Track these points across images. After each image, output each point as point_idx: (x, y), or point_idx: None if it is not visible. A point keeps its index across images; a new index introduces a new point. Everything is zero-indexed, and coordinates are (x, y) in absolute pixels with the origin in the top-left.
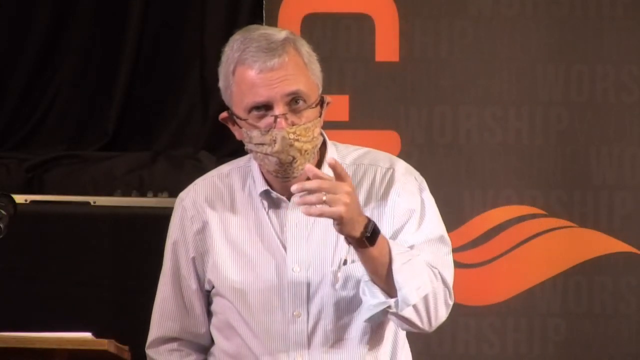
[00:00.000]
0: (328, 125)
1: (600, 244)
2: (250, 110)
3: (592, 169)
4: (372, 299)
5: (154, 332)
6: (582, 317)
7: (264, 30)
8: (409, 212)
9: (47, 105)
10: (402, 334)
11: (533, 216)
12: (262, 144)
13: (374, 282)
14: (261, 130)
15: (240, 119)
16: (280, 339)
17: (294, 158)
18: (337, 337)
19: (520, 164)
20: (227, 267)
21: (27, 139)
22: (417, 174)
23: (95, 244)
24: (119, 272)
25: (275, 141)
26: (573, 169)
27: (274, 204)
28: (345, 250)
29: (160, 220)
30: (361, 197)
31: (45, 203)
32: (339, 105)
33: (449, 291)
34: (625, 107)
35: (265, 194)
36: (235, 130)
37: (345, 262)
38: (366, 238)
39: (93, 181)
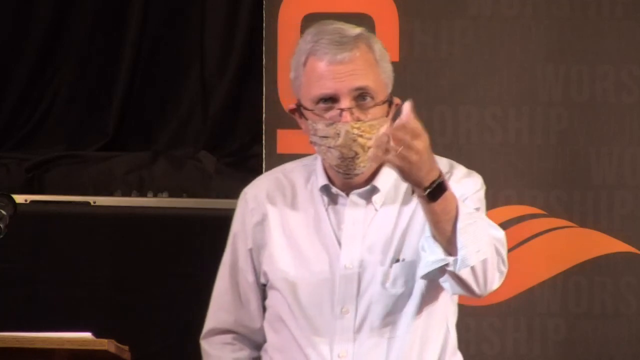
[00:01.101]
0: None
1: (600, 244)
2: (317, 102)
3: (592, 169)
4: (431, 255)
5: (208, 323)
6: (582, 317)
7: (339, 25)
8: (465, 195)
9: (47, 105)
10: (453, 341)
11: (533, 216)
12: (326, 137)
13: (435, 239)
14: (326, 122)
15: (307, 109)
16: (326, 334)
17: (356, 154)
18: (383, 335)
19: (520, 164)
20: (281, 259)
21: (27, 139)
22: (478, 176)
23: (95, 244)
24: (119, 272)
25: (339, 134)
26: (573, 169)
27: (333, 200)
28: (399, 250)
29: (160, 220)
30: (416, 200)
31: (45, 203)
32: None
33: (502, 259)
34: (625, 107)
35: (325, 189)
36: (301, 123)
37: (397, 261)
38: (427, 194)
39: (93, 181)
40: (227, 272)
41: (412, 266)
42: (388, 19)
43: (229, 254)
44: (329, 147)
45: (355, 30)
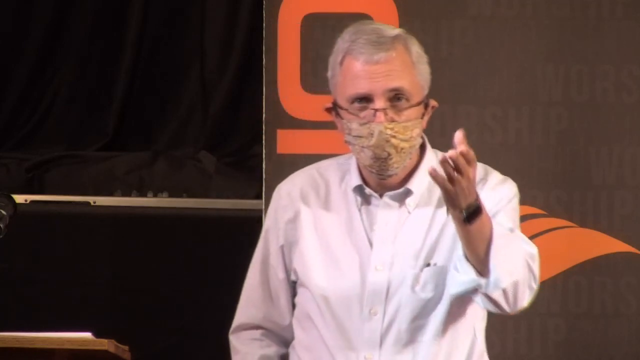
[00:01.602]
0: (328, 125)
1: (600, 244)
2: (352, 101)
3: (592, 169)
4: (463, 275)
5: (237, 318)
6: (582, 317)
7: (377, 25)
8: (500, 204)
9: (47, 105)
10: (480, 346)
11: (533, 216)
12: (360, 137)
13: (468, 259)
14: (360, 122)
15: (342, 108)
16: (354, 334)
17: (389, 154)
18: (410, 339)
19: (520, 164)
20: (312, 258)
21: (27, 139)
22: (513, 184)
23: (95, 244)
24: (119, 272)
25: (372, 135)
26: (573, 169)
27: (366, 201)
28: (430, 254)
29: (160, 220)
30: None
31: (45, 203)
32: None
33: (534, 276)
34: (625, 107)
35: (359, 190)
36: (337, 122)
37: (428, 265)
38: (465, 216)
39: (93, 181)
40: (258, 268)
41: (443, 271)
42: (388, 19)
43: (260, 250)
44: (363, 147)
45: (393, 31)
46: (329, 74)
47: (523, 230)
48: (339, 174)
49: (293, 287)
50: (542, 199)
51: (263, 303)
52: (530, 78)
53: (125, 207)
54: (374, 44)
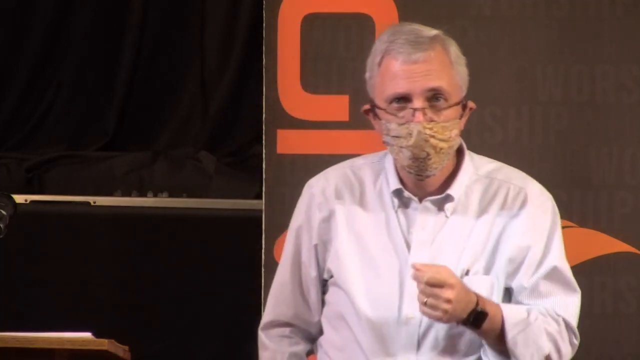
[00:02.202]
0: (328, 125)
1: (600, 244)
2: (390, 101)
3: (592, 169)
4: (493, 359)
5: (267, 315)
6: (582, 317)
7: (415, 26)
8: (537, 240)
9: (47, 105)
10: None
11: None
12: (399, 137)
13: (492, 347)
14: (398, 122)
15: (380, 109)
16: (390, 338)
17: (428, 154)
18: (447, 346)
19: (520, 164)
20: (348, 259)
21: (27, 139)
22: (551, 198)
23: (95, 244)
24: (119, 272)
25: (411, 134)
26: (573, 169)
27: (404, 203)
28: (469, 261)
29: (160, 220)
30: (492, 212)
31: (45, 203)
32: (339, 105)
33: (574, 334)
34: (625, 107)
35: (397, 193)
36: (375, 124)
37: (467, 273)
38: (469, 324)
39: (93, 181)
40: (288, 265)
41: (483, 281)
42: (388, 19)
43: (291, 247)
44: (401, 147)
45: (432, 31)
46: (367, 75)
47: None
48: (373, 174)
49: (324, 284)
50: None
51: (293, 300)
52: (530, 78)
53: (125, 207)
54: (412, 44)
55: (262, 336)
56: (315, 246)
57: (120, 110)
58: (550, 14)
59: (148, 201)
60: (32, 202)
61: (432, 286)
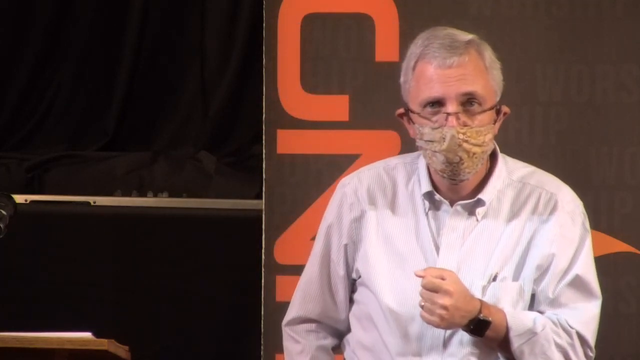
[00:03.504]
0: (328, 125)
1: (600, 244)
2: (424, 105)
3: (592, 169)
4: None
5: (294, 311)
6: None
7: (451, 30)
8: (564, 249)
9: (47, 105)
10: None
11: None
12: (432, 141)
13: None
14: (432, 126)
15: (414, 112)
16: (416, 339)
17: (461, 159)
18: (472, 349)
19: None
20: (377, 260)
21: (27, 139)
22: (581, 205)
23: (95, 244)
24: (119, 272)
25: (444, 139)
26: (573, 169)
27: (435, 206)
28: (498, 266)
29: (160, 220)
30: (523, 217)
31: (45, 203)
32: (339, 105)
33: (589, 347)
34: (625, 107)
35: (429, 195)
36: (409, 128)
37: (495, 278)
38: (471, 331)
39: (93, 181)
40: (317, 262)
41: (511, 287)
42: (388, 19)
43: (321, 244)
44: (435, 152)
45: (467, 36)
46: (401, 79)
47: None
48: (406, 175)
49: (352, 283)
50: None
51: (321, 297)
52: (530, 78)
53: (125, 207)
54: (447, 49)
55: (289, 331)
56: (345, 246)
57: (120, 110)
58: (550, 14)
59: (148, 201)
60: (32, 202)
61: (428, 290)
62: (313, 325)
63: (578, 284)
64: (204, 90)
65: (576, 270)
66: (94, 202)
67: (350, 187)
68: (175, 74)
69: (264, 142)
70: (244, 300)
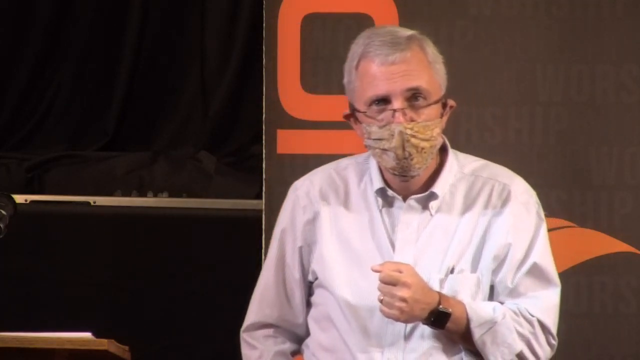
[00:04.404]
0: (328, 125)
1: (600, 244)
2: (370, 104)
3: (592, 169)
4: (466, 358)
5: (251, 317)
6: (582, 317)
7: (391, 28)
8: (520, 238)
9: (47, 105)
10: None
11: None
12: (380, 139)
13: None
14: (379, 124)
15: (360, 112)
16: (376, 337)
17: (410, 154)
18: (434, 343)
19: (520, 164)
20: (333, 260)
21: (27, 139)
22: (534, 194)
23: (95, 244)
24: (119, 272)
25: (392, 136)
26: (573, 169)
27: (388, 203)
28: (454, 258)
29: (160, 220)
30: (477, 210)
31: (45, 203)
32: (339, 105)
33: (551, 334)
34: (625, 107)
35: (381, 192)
36: (356, 129)
37: (452, 271)
38: (431, 324)
39: (93, 181)
40: (273, 267)
41: (468, 278)
42: (388, 19)
43: (275, 249)
44: (384, 149)
45: (407, 32)
46: (345, 80)
47: None
48: (357, 174)
49: (309, 286)
50: (542, 199)
51: (278, 302)
52: (530, 78)
53: (125, 207)
54: (389, 45)
55: (247, 337)
56: (300, 248)
57: (120, 110)
58: (550, 14)
59: (148, 201)
60: (32, 202)
61: (386, 284)
62: (271, 331)
63: (536, 272)
64: (204, 90)
65: (533, 258)
66: (94, 202)
67: (303, 189)
68: (175, 74)
69: (264, 142)
70: (244, 300)
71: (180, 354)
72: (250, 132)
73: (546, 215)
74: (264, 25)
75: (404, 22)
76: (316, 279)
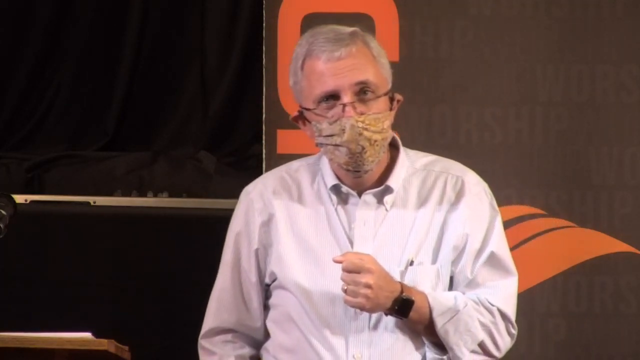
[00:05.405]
0: None
1: (600, 244)
2: (319, 101)
3: (592, 169)
4: (429, 352)
5: (209, 323)
6: (582, 317)
7: (332, 26)
8: (476, 229)
9: (47, 105)
10: None
11: (533, 216)
12: (332, 135)
13: (427, 339)
14: (330, 120)
15: (309, 110)
16: (341, 334)
17: (363, 148)
18: (399, 335)
19: (520, 164)
20: (292, 259)
21: (27, 139)
22: (487, 186)
23: (95, 244)
24: (119, 272)
25: (344, 130)
26: (573, 169)
27: (343, 200)
28: (413, 251)
29: (160, 220)
30: (432, 203)
31: (45, 203)
32: None
33: (511, 323)
34: (625, 107)
35: (335, 189)
36: (306, 129)
37: (412, 263)
38: (395, 312)
39: (93, 181)
40: (228, 272)
41: (428, 270)
42: (388, 19)
43: (230, 253)
44: (336, 145)
45: (349, 28)
46: (291, 82)
47: (523, 230)
48: (309, 175)
49: (266, 290)
50: (542, 199)
51: (235, 307)
52: (530, 78)
53: (125, 207)
54: (333, 42)
55: (205, 344)
56: (256, 251)
57: (120, 110)
58: (550, 14)
59: (148, 201)
60: (32, 202)
61: (349, 272)
62: (229, 336)
63: (494, 261)
64: (204, 90)
65: (491, 247)
66: (94, 202)
67: (256, 192)
68: (175, 74)
69: (264, 142)
70: None
71: (180, 354)
72: (250, 132)
73: (546, 215)
74: (264, 25)
75: (404, 22)
76: (274, 281)
